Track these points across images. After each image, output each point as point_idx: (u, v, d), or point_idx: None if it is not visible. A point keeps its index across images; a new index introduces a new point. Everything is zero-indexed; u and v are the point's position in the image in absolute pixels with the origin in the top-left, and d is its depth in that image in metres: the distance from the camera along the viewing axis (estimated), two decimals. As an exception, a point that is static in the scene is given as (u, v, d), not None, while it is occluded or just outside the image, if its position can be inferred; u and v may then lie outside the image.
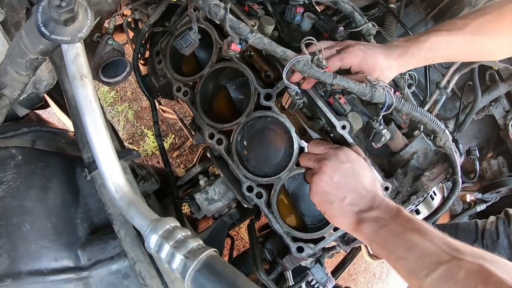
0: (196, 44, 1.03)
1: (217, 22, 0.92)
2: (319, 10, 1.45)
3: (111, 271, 1.02)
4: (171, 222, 0.71)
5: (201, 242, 0.69)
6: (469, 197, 2.07)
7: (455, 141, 1.24)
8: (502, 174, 1.78)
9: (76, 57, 0.72)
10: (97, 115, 0.74)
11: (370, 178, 0.99)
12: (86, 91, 0.73)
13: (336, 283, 1.72)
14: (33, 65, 0.80)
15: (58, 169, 1.09)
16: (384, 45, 1.07)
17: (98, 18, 1.14)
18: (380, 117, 1.02)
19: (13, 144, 1.08)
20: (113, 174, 0.76)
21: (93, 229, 1.07)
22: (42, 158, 1.09)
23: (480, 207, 1.88)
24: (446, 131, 1.14)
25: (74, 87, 0.73)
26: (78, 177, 1.11)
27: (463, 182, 1.58)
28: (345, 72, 1.07)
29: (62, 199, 1.05)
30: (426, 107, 1.65)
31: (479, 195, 1.86)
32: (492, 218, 1.69)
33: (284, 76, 0.93)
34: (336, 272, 1.78)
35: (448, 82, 1.66)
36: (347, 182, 0.96)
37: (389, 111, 1.00)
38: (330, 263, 2.06)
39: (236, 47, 0.96)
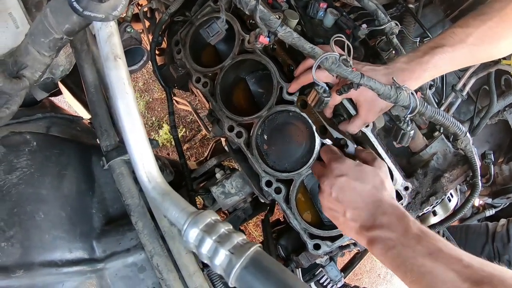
0: (223, 34, 0.97)
1: (247, 12, 0.86)
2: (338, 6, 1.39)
3: (126, 264, 0.97)
4: (212, 215, 0.65)
5: (245, 237, 0.64)
6: (477, 202, 2.03)
7: (471, 144, 1.20)
8: None
9: (110, 36, 0.67)
10: (130, 99, 0.68)
11: (369, 186, 0.91)
12: (120, 73, 0.68)
13: (344, 282, 1.69)
14: (57, 46, 0.75)
15: (73, 157, 1.04)
16: (387, 67, 1.01)
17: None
18: (407, 118, 0.98)
19: (27, 130, 1.02)
20: (145, 163, 0.71)
21: (108, 220, 1.02)
22: (57, 145, 1.04)
23: (489, 212, 1.83)
24: (468, 134, 1.10)
25: (106, 69, 0.67)
26: (94, 166, 1.06)
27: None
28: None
29: (77, 187, 1.00)
30: (441, 109, 1.61)
31: (489, 200, 1.81)
32: (503, 221, 1.65)
33: (313, 72, 0.88)
34: (345, 270, 1.73)
35: (464, 85, 1.61)
36: (345, 196, 0.91)
37: (413, 114, 0.95)
38: (338, 261, 2.02)
39: (264, 40, 0.91)
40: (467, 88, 1.61)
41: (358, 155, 1.02)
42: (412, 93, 0.94)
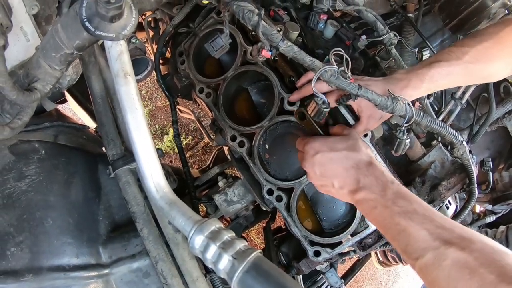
0: (226, 48, 1.02)
1: (250, 27, 0.91)
2: (337, 16, 1.44)
3: (131, 269, 1.01)
4: (216, 223, 0.71)
5: (247, 243, 0.69)
6: (478, 208, 2.06)
7: (469, 152, 1.24)
8: None
9: (120, 54, 0.72)
10: (140, 114, 0.73)
11: (344, 152, 0.96)
12: (129, 89, 0.73)
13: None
14: (67, 60, 0.79)
15: (80, 165, 1.09)
16: (386, 78, 1.07)
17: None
18: (403, 127, 1.02)
19: (35, 138, 1.07)
20: (154, 174, 0.75)
21: (114, 227, 1.07)
22: (65, 154, 1.09)
23: (490, 218, 1.87)
24: (464, 142, 1.14)
25: (117, 85, 0.72)
26: (100, 174, 1.11)
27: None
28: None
29: (84, 195, 1.05)
30: (441, 117, 1.65)
31: (489, 207, 1.85)
32: (502, 227, 1.69)
33: (313, 84, 0.93)
34: (345, 277, 1.77)
35: (464, 93, 1.66)
36: (326, 170, 0.97)
37: (410, 124, 1.00)
38: (339, 268, 2.05)
39: (266, 54, 0.96)
40: (467, 96, 1.65)
41: (331, 131, 1.06)
42: (408, 103, 0.99)
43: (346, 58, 0.97)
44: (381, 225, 0.89)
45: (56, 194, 0.99)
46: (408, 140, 1.05)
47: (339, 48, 0.97)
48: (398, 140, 1.03)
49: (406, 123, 1.00)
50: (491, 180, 1.55)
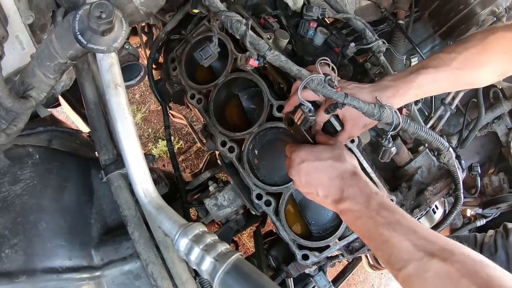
0: (215, 57, 1.07)
1: (237, 37, 0.96)
2: (329, 23, 1.49)
3: (123, 272, 1.05)
4: (200, 227, 0.76)
5: (229, 246, 0.74)
6: (469, 212, 2.12)
7: (458, 157, 1.29)
8: (503, 190, 1.83)
9: (110, 66, 0.76)
10: (130, 123, 0.78)
11: (329, 162, 0.99)
12: (120, 100, 0.77)
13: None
14: (61, 69, 0.84)
15: (73, 170, 1.13)
16: (373, 85, 1.09)
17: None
18: (389, 135, 1.06)
19: (29, 143, 1.11)
20: (143, 180, 0.80)
21: (106, 230, 1.11)
22: (58, 158, 1.13)
23: (480, 222, 1.92)
24: (450, 149, 1.18)
25: (108, 95, 0.77)
26: (93, 178, 1.15)
27: (464, 197, 1.63)
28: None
29: (77, 199, 1.09)
30: (431, 123, 1.70)
31: (480, 210, 1.90)
32: (491, 232, 1.74)
33: (299, 93, 0.97)
34: (336, 281, 1.81)
35: (453, 98, 1.71)
36: (312, 178, 1.00)
37: (396, 131, 1.04)
38: (330, 272, 2.09)
39: (254, 63, 1.00)
40: (456, 101, 1.70)
41: (317, 140, 1.09)
42: (395, 111, 1.03)
43: (332, 67, 1.02)
44: (364, 235, 0.92)
45: (49, 198, 1.03)
46: (393, 148, 1.09)
47: (326, 58, 1.01)
48: (384, 148, 1.08)
49: (393, 130, 1.04)
50: (479, 185, 1.60)
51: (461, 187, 1.22)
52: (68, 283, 0.99)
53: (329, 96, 0.97)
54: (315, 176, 0.99)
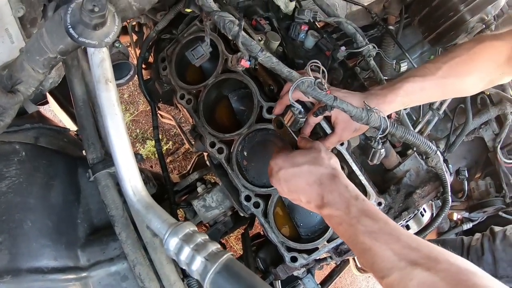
0: (207, 57, 1.08)
1: (230, 37, 0.96)
2: (319, 27, 1.51)
3: (109, 273, 1.05)
4: (190, 227, 0.76)
5: (219, 246, 0.74)
6: (456, 216, 2.15)
7: (445, 161, 1.32)
8: (489, 194, 1.89)
9: (102, 61, 0.76)
10: (119, 119, 0.78)
11: (305, 167, 0.98)
12: (110, 95, 0.77)
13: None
14: (51, 64, 0.84)
15: (60, 168, 1.12)
16: (362, 93, 1.12)
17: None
18: (378, 138, 1.08)
19: (16, 140, 1.10)
20: (132, 178, 0.80)
21: (93, 230, 1.10)
22: (45, 156, 1.12)
23: (467, 226, 1.97)
24: (438, 152, 1.20)
25: (98, 91, 0.77)
26: (80, 177, 1.14)
27: (451, 201, 1.66)
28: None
29: (63, 198, 1.08)
30: (419, 127, 1.73)
31: (466, 214, 1.94)
32: (477, 235, 1.77)
33: (290, 94, 0.98)
34: (324, 283, 1.83)
35: (441, 104, 1.75)
36: (291, 185, 0.99)
37: (384, 134, 1.06)
38: (318, 274, 2.11)
39: (245, 64, 1.01)
40: (444, 107, 1.75)
41: (298, 145, 1.09)
42: (383, 115, 1.05)
43: (323, 70, 1.04)
44: (347, 241, 0.92)
45: (35, 197, 1.02)
46: (383, 150, 1.11)
47: (316, 60, 1.03)
48: (373, 149, 1.10)
49: (381, 134, 1.06)
50: (466, 189, 1.64)
51: (449, 190, 1.24)
52: (53, 283, 0.98)
53: (319, 98, 0.99)
54: (294, 183, 0.99)
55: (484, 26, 1.64)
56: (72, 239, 1.05)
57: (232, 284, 0.69)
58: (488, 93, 1.82)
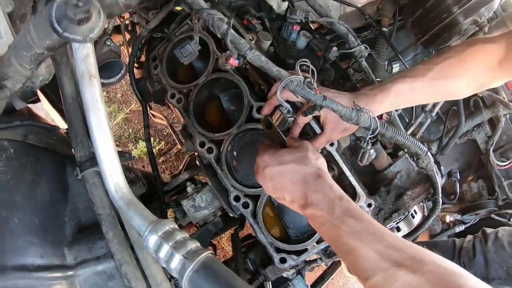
0: (195, 55, 1.08)
1: (219, 35, 0.97)
2: (313, 28, 1.52)
3: (96, 272, 1.05)
4: (170, 224, 0.76)
5: (199, 244, 0.74)
6: (448, 218, 2.17)
7: (437, 163, 1.33)
8: (482, 196, 1.91)
9: (86, 57, 0.77)
10: (102, 115, 0.78)
11: (291, 166, 0.98)
12: (94, 91, 0.78)
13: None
14: (38, 60, 0.84)
15: (48, 166, 1.12)
16: (352, 94, 1.13)
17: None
18: (368, 139, 1.09)
19: (4, 137, 1.10)
20: (113, 174, 0.80)
21: (80, 228, 1.10)
22: (34, 153, 1.12)
23: (459, 228, 1.99)
24: (429, 153, 1.21)
25: (81, 86, 0.77)
26: (69, 176, 1.14)
27: (443, 203, 1.66)
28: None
29: (51, 196, 1.08)
30: (411, 129, 1.75)
31: (459, 216, 1.96)
32: (469, 237, 1.79)
33: (278, 93, 0.99)
34: (315, 285, 1.84)
35: (434, 106, 1.76)
36: (276, 183, 1.00)
37: (374, 135, 1.07)
38: (309, 277, 2.12)
39: (234, 62, 1.02)
40: (437, 109, 1.77)
41: (287, 143, 1.09)
42: (372, 116, 1.06)
43: (312, 70, 1.04)
44: (330, 242, 0.92)
45: (22, 194, 1.02)
46: (372, 150, 1.12)
47: (306, 60, 1.04)
48: (363, 150, 1.11)
49: (371, 134, 1.07)
50: (458, 191, 1.65)
51: (440, 192, 1.25)
52: (39, 282, 0.97)
53: (308, 97, 0.99)
54: (279, 181, 0.99)
55: (477, 28, 1.65)
56: (59, 237, 1.05)
57: (210, 283, 0.69)
58: (481, 96, 1.84)
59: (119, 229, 1.03)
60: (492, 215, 1.93)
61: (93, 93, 0.78)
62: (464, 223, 2.01)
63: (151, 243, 0.76)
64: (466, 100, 1.86)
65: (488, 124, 1.89)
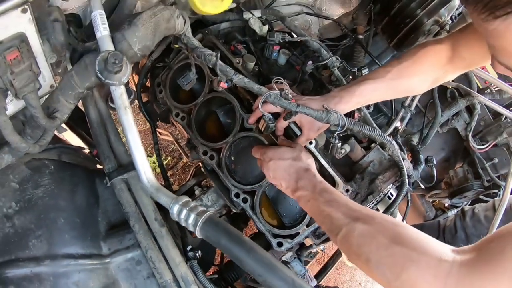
0: (194, 82, 1.51)
1: (210, 66, 1.38)
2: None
3: (126, 259, 1.43)
4: (185, 198, 1.20)
5: (205, 208, 1.19)
6: (447, 204, 2.49)
7: (417, 152, 1.69)
8: (468, 180, 2.23)
9: (121, 94, 1.19)
10: (135, 133, 1.21)
11: (289, 161, 1.39)
12: (128, 118, 1.20)
13: (320, 284, 2.15)
14: (79, 96, 1.24)
15: (81, 178, 1.52)
16: (323, 96, 1.47)
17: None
18: (335, 135, 1.46)
19: (44, 157, 1.48)
20: (146, 171, 1.22)
21: (110, 226, 1.49)
22: (69, 169, 1.52)
23: (452, 212, 2.31)
24: (393, 142, 1.57)
25: (120, 115, 1.20)
26: (98, 185, 1.54)
27: (418, 186, 2.02)
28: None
29: (86, 201, 1.48)
30: (394, 125, 2.10)
31: (449, 201, 2.29)
32: (451, 216, 2.13)
33: (260, 106, 1.37)
34: (319, 275, 2.18)
35: (412, 100, 2.08)
36: (276, 174, 1.40)
37: (343, 130, 1.41)
38: (313, 270, 2.47)
39: (224, 85, 1.44)
40: (415, 104, 2.07)
41: (280, 144, 1.51)
42: (340, 115, 1.42)
43: (285, 83, 1.44)
44: (313, 213, 1.32)
45: (65, 200, 1.40)
46: (339, 144, 1.50)
47: (279, 77, 1.44)
48: (331, 144, 1.50)
49: (340, 130, 1.43)
50: (435, 174, 1.99)
51: (406, 174, 1.58)
52: (83, 267, 1.35)
53: (285, 106, 1.34)
54: (279, 172, 1.41)
55: (439, 27, 1.97)
56: (95, 233, 1.44)
57: (214, 229, 1.12)
58: (450, 87, 2.18)
59: (144, 223, 1.42)
60: (481, 197, 2.25)
61: (128, 119, 1.20)
62: (456, 207, 2.33)
63: (175, 210, 1.18)
64: (443, 92, 2.19)
65: (466, 112, 2.21)
